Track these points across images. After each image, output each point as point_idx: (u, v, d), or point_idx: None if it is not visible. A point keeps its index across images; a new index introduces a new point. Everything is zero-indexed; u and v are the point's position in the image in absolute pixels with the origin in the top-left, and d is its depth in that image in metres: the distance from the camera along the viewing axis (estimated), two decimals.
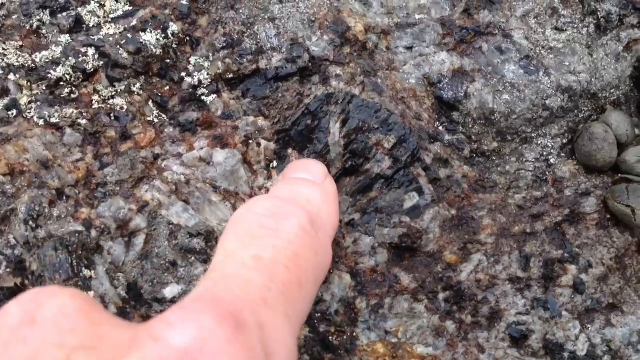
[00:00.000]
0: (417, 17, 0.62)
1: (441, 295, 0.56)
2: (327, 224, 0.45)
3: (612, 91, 0.63)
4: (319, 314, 0.53)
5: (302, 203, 0.45)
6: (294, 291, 0.37)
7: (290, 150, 0.56)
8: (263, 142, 0.55)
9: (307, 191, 0.46)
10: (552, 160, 0.61)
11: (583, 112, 0.62)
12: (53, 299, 0.32)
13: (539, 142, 0.61)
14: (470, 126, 0.60)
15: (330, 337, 0.53)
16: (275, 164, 0.56)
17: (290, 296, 0.37)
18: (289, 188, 0.47)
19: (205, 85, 0.56)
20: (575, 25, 0.63)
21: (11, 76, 0.52)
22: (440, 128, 0.60)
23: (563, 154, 0.62)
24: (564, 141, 0.62)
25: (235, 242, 0.39)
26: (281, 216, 0.41)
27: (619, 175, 0.62)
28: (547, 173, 0.61)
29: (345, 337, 0.53)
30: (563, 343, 0.56)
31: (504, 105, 0.60)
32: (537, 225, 0.59)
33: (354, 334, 0.54)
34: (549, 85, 0.61)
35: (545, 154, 0.61)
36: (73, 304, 0.32)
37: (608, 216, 0.61)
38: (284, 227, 0.40)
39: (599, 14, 0.63)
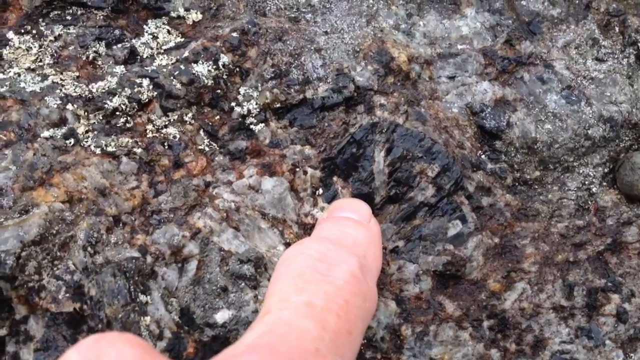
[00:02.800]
0: (459, 47, 0.63)
1: (485, 323, 0.56)
2: (373, 266, 0.47)
3: None
4: (365, 341, 0.54)
5: (350, 244, 0.46)
6: (343, 339, 0.38)
7: (335, 178, 0.57)
8: (309, 170, 0.57)
9: (354, 232, 0.48)
10: (594, 189, 0.62)
11: (624, 141, 0.63)
12: (113, 348, 0.33)
13: (581, 171, 0.62)
14: (513, 155, 0.61)
15: None
16: (321, 191, 0.57)
17: (340, 344, 0.38)
18: (337, 228, 0.48)
19: (253, 115, 0.57)
20: (616, 56, 0.64)
21: (69, 106, 0.53)
22: (483, 157, 0.61)
23: (605, 183, 0.63)
24: (606, 170, 0.63)
25: (289, 285, 0.40)
26: (333, 261, 0.43)
27: None
28: (589, 202, 0.62)
29: None
30: None
31: (546, 135, 0.60)
32: (579, 254, 0.60)
33: None
34: (590, 115, 0.61)
35: (587, 183, 0.62)
36: (133, 352, 0.33)
37: None
38: (335, 272, 0.42)
39: (639, 44, 0.64)
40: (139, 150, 0.53)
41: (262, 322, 0.38)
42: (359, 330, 0.41)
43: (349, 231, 0.48)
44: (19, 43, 0.56)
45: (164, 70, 0.56)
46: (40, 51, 0.56)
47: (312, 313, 0.38)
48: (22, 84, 0.54)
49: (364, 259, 0.46)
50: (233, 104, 0.57)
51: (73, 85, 0.54)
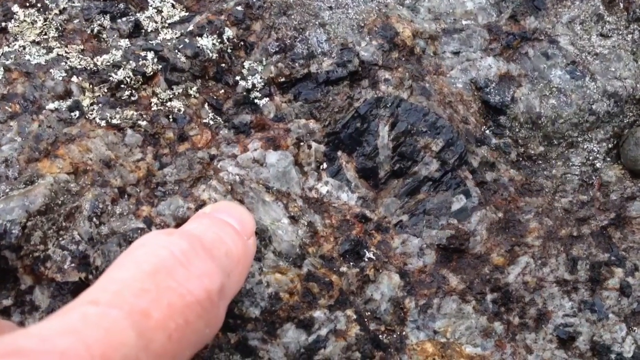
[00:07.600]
0: (464, 22, 0.63)
1: (489, 297, 0.57)
2: (233, 286, 0.43)
3: None
4: (369, 313, 0.54)
5: (221, 257, 0.42)
6: None
7: (339, 153, 0.57)
8: (314, 144, 0.57)
9: (230, 243, 0.44)
10: (597, 165, 0.62)
11: (628, 117, 0.63)
12: None
13: (585, 146, 0.62)
14: (517, 130, 0.61)
15: (381, 336, 0.54)
16: (325, 165, 0.57)
17: None
18: (215, 231, 0.44)
19: (258, 89, 0.57)
20: (620, 32, 0.64)
21: (74, 78, 0.53)
22: (487, 132, 0.61)
23: (609, 159, 0.63)
24: (610, 146, 0.63)
25: (135, 280, 0.36)
26: (195, 270, 0.39)
27: None
28: (593, 177, 0.62)
29: (394, 336, 0.54)
30: (610, 345, 0.56)
31: (551, 110, 0.60)
32: (583, 229, 0.60)
33: (403, 333, 0.55)
34: (595, 91, 0.61)
35: (591, 158, 0.62)
36: None
37: None
38: (192, 285, 0.38)
39: None
40: (143, 123, 0.53)
41: (81, 312, 0.33)
42: (185, 357, 0.37)
43: (225, 239, 0.43)
44: (24, 16, 0.56)
45: (169, 43, 0.56)
46: (45, 24, 0.56)
47: (142, 326, 0.33)
48: (27, 57, 0.54)
49: (228, 278, 0.42)
50: (237, 77, 0.57)
51: (78, 58, 0.55)
